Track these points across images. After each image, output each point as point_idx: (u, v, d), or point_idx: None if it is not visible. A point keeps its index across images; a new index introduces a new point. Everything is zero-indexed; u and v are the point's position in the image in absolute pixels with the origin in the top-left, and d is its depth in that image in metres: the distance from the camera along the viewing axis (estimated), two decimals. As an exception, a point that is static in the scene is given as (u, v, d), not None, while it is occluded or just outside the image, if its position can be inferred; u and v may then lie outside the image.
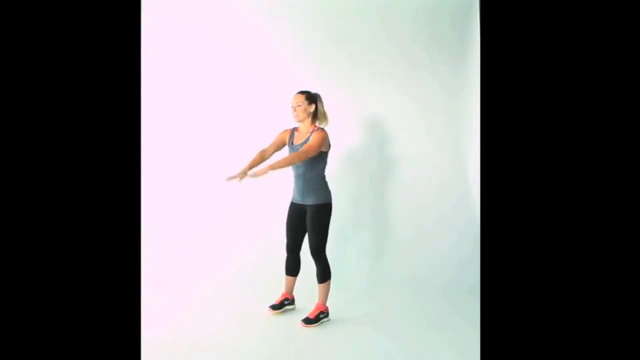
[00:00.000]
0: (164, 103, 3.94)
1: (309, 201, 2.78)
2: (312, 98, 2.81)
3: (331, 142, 3.71)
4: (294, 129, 2.90)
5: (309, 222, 2.79)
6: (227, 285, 3.45)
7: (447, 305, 3.09)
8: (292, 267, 2.97)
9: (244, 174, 2.70)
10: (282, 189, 3.31)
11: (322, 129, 2.79)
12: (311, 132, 2.76)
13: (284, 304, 2.98)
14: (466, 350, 2.39)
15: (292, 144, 2.84)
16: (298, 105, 2.78)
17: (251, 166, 2.81)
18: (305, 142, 2.73)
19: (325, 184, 2.83)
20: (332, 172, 3.74)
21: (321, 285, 2.82)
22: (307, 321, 2.75)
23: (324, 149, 2.75)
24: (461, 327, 2.72)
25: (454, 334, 2.62)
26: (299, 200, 2.84)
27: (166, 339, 2.53)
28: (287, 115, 3.83)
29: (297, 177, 2.80)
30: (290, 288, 3.01)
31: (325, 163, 2.81)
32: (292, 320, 2.85)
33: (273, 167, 2.52)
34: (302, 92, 2.82)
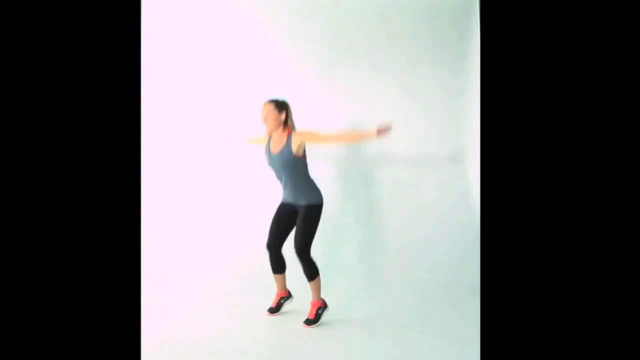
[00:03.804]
0: (164, 103, 3.94)
1: (303, 202, 2.75)
2: (281, 106, 2.74)
3: (329, 143, 3.70)
4: (268, 140, 2.86)
5: (300, 221, 2.74)
6: (227, 285, 3.45)
7: (447, 305, 3.08)
8: (278, 265, 2.90)
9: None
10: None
11: (297, 129, 2.76)
12: (288, 136, 2.72)
13: (280, 303, 2.97)
14: (466, 350, 2.39)
15: (270, 152, 2.80)
16: (268, 115, 2.72)
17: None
18: (285, 148, 2.70)
19: (314, 184, 2.81)
20: (332, 172, 3.75)
21: (311, 283, 2.79)
22: (309, 322, 2.75)
23: (300, 154, 2.72)
24: (461, 327, 2.71)
25: (454, 334, 2.62)
26: (291, 201, 2.81)
27: (166, 339, 2.53)
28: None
29: (286, 180, 2.77)
30: (282, 285, 2.96)
31: (306, 166, 2.79)
32: (292, 320, 2.84)
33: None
34: (270, 102, 2.75)
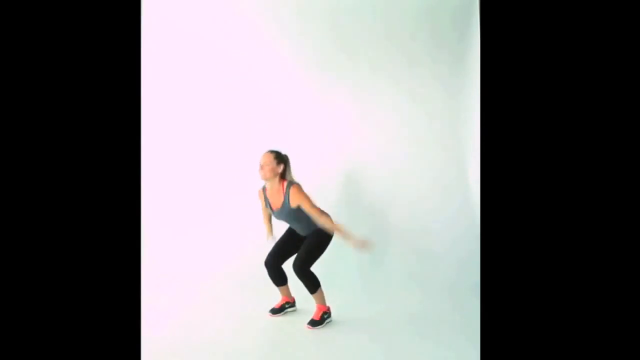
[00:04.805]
0: (164, 103, 3.94)
1: (314, 228, 2.78)
2: (281, 158, 2.74)
3: (330, 143, 3.71)
4: (264, 190, 2.84)
5: (309, 241, 2.75)
6: (227, 285, 3.45)
7: (448, 305, 3.09)
8: (278, 279, 2.90)
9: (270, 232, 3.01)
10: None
11: (295, 183, 2.72)
12: (285, 190, 2.70)
13: (284, 307, 2.96)
14: (466, 350, 2.39)
15: (272, 208, 2.80)
16: (265, 164, 2.71)
17: (269, 221, 3.02)
18: (285, 203, 2.70)
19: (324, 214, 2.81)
20: (332, 173, 3.75)
21: (314, 295, 2.77)
22: (313, 323, 2.72)
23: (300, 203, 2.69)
24: (461, 327, 2.71)
25: (454, 334, 2.62)
26: (302, 233, 2.84)
27: (166, 339, 2.53)
28: (286, 115, 3.84)
29: (297, 225, 2.81)
30: (287, 293, 2.98)
31: (312, 205, 2.74)
32: (293, 320, 2.84)
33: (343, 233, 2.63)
34: (271, 152, 2.74)
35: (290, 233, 2.92)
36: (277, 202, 2.75)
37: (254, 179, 3.83)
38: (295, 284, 2.99)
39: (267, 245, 2.96)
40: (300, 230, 2.83)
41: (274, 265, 2.87)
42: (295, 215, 2.72)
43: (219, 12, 3.83)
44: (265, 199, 2.83)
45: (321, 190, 2.96)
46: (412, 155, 3.73)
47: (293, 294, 3.02)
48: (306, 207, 2.65)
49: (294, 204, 2.67)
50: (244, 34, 3.83)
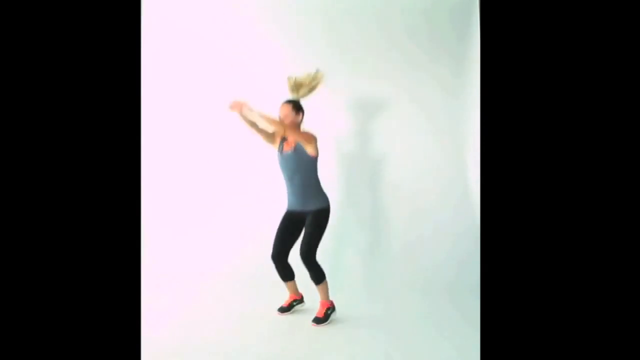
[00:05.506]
0: (164, 103, 3.94)
1: (311, 207, 2.74)
2: (299, 107, 2.76)
3: (330, 143, 3.70)
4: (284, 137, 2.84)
5: (309, 226, 2.73)
6: (228, 285, 3.45)
7: (448, 306, 3.09)
8: (287, 274, 2.89)
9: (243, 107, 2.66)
10: (284, 188, 3.31)
11: (311, 134, 2.73)
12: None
13: (292, 305, 2.96)
14: (466, 350, 2.39)
15: (282, 151, 2.79)
16: (286, 116, 2.73)
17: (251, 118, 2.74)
18: (295, 147, 2.71)
19: (322, 188, 2.81)
20: (332, 174, 3.75)
21: (319, 286, 2.78)
22: (318, 321, 2.73)
23: (314, 153, 2.72)
24: (461, 327, 2.71)
25: (454, 334, 2.62)
26: (298, 208, 2.78)
27: (166, 339, 2.53)
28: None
29: (294, 184, 2.75)
30: (294, 289, 2.96)
31: (317, 168, 2.79)
32: (294, 320, 2.84)
33: (263, 115, 2.56)
34: (288, 102, 2.76)
35: (287, 220, 2.85)
36: (288, 147, 2.75)
37: (254, 179, 3.86)
38: (302, 280, 3.00)
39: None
40: (298, 196, 2.75)
41: (280, 259, 2.83)
42: (303, 162, 2.69)
43: (219, 12, 3.83)
44: (282, 142, 2.82)
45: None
46: (412, 155, 3.73)
47: (301, 291, 3.01)
48: (304, 138, 2.65)
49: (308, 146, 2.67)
50: (244, 35, 3.83)
